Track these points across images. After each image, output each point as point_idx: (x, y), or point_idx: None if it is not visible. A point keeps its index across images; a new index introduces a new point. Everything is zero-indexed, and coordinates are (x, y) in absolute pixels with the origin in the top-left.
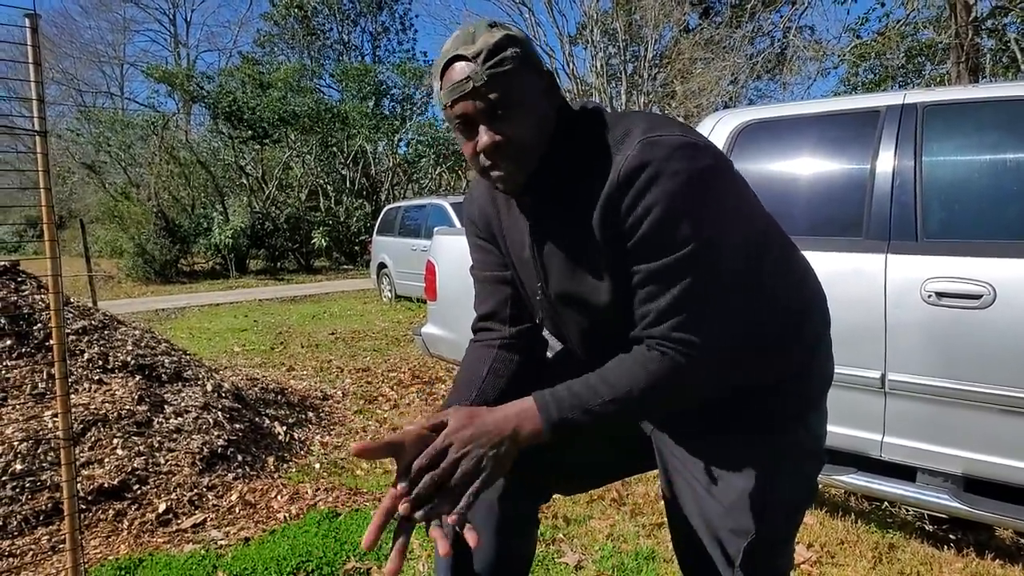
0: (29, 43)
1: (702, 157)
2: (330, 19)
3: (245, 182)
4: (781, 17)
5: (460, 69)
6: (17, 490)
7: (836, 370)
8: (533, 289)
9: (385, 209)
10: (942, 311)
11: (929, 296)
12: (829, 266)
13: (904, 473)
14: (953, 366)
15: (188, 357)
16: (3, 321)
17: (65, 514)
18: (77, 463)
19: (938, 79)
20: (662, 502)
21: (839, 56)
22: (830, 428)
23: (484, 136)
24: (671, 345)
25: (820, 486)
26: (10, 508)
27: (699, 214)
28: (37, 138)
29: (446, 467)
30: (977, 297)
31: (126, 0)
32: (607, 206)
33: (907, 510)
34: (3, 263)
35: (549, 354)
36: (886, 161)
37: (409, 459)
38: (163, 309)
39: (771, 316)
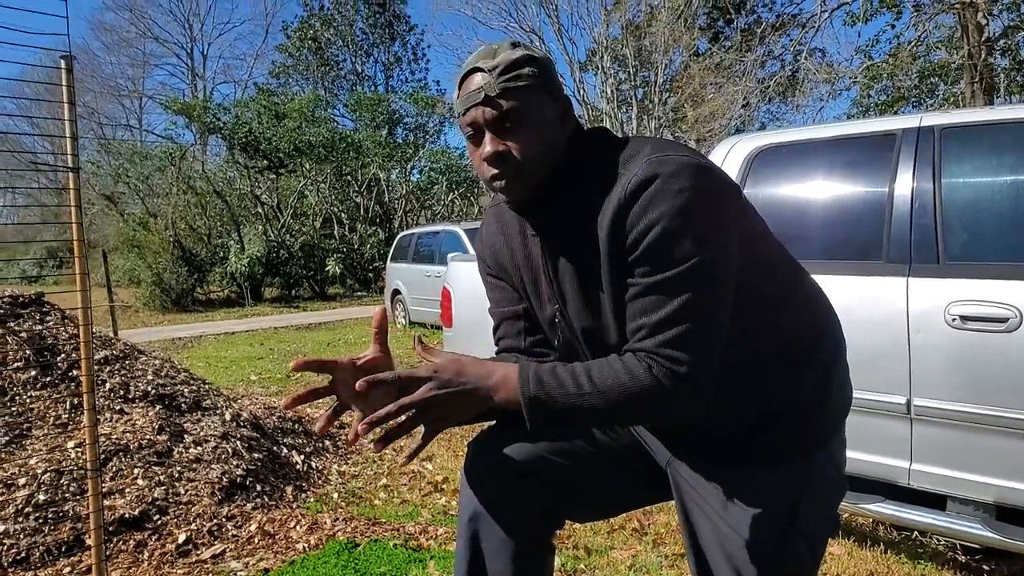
0: (64, 83)
1: (708, 177)
2: (344, 50)
3: (260, 211)
4: (791, 40)
5: (476, 80)
6: (40, 521)
7: (861, 396)
8: (550, 313)
9: (399, 236)
10: (967, 335)
11: (953, 320)
12: (849, 290)
13: (934, 501)
14: (980, 391)
15: (207, 386)
16: (28, 352)
17: (91, 545)
18: (102, 493)
19: (952, 99)
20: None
21: (851, 78)
22: (856, 455)
23: (488, 144)
24: (660, 360)
25: (848, 515)
26: (33, 539)
27: (701, 232)
28: (70, 174)
29: (422, 396)
30: (1003, 320)
31: (147, 36)
32: (614, 221)
33: (938, 540)
34: (29, 295)
35: None
36: (904, 184)
37: (343, 380)
38: (180, 338)
39: (778, 342)
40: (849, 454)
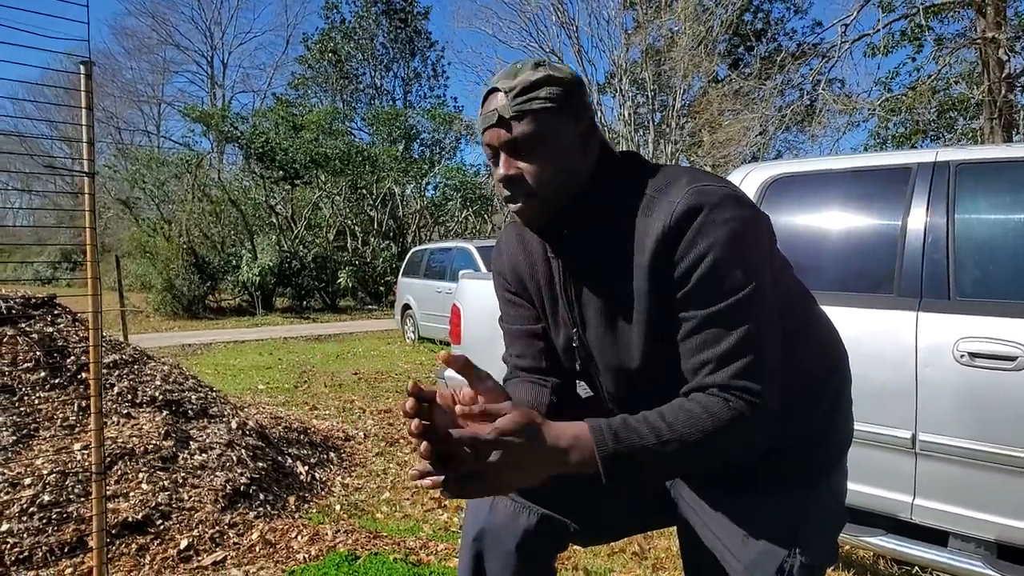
0: (83, 89)
1: (749, 207)
2: (363, 64)
3: (274, 221)
4: (811, 70)
5: (495, 100)
6: (44, 521)
7: (866, 428)
8: (567, 336)
9: (411, 251)
10: (975, 372)
11: (962, 356)
12: (859, 322)
13: (936, 537)
14: (986, 428)
15: (214, 393)
16: (38, 353)
17: (93, 547)
18: (106, 496)
19: (970, 134)
20: (681, 559)
21: (869, 109)
22: (860, 488)
23: (501, 167)
24: (735, 392)
25: (849, 547)
26: (36, 539)
27: (749, 261)
28: (85, 179)
29: (487, 466)
30: (1012, 359)
31: (168, 43)
32: (658, 251)
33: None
34: (41, 296)
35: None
36: (918, 218)
37: (436, 420)
38: (190, 344)
39: (793, 374)
40: (852, 486)
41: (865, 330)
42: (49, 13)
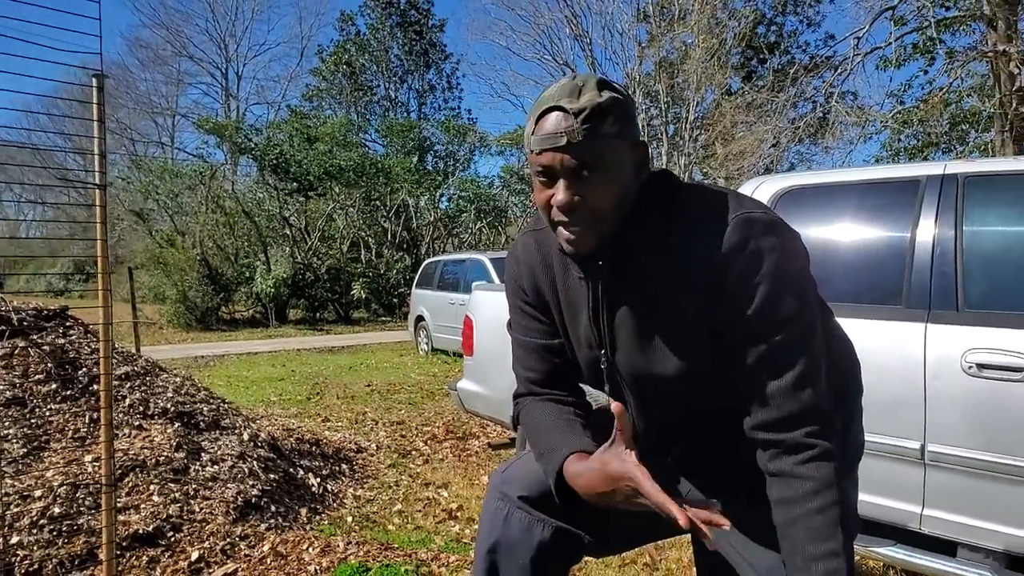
0: (95, 102)
1: (790, 231)
2: (378, 76)
3: (288, 233)
4: (823, 82)
5: (557, 120)
6: (54, 533)
7: (876, 439)
8: (593, 357)
9: (425, 263)
10: (983, 383)
11: (970, 367)
12: (869, 334)
13: (945, 547)
14: (995, 439)
15: (226, 405)
16: (50, 365)
17: (103, 559)
18: (116, 508)
19: (982, 147)
20: (695, 568)
21: (882, 122)
22: (869, 499)
23: (563, 193)
24: (811, 421)
25: (859, 558)
26: (47, 551)
27: (799, 287)
28: (97, 191)
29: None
30: (1019, 370)
31: (182, 55)
32: (705, 281)
33: None
34: (53, 308)
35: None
36: (926, 230)
37: None
38: (202, 356)
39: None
40: (862, 497)
41: (875, 342)
42: (62, 27)
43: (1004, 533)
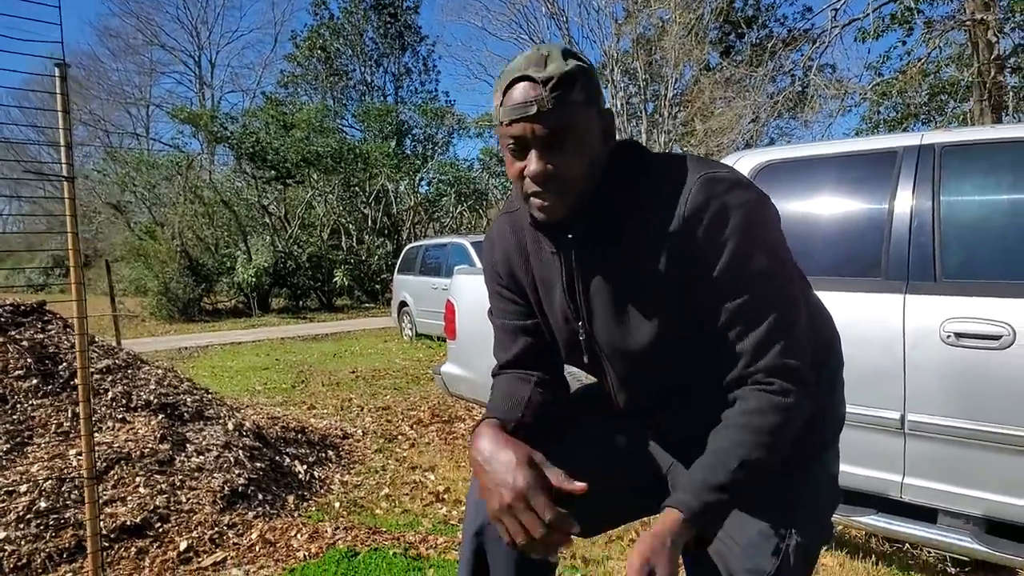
0: (58, 91)
1: (754, 190)
2: (353, 60)
3: (268, 221)
4: (802, 56)
5: (525, 90)
6: (41, 528)
7: (856, 410)
8: (570, 331)
9: (407, 248)
10: (961, 352)
11: (948, 336)
12: (848, 306)
13: (925, 515)
14: (973, 407)
15: (210, 396)
16: (30, 361)
17: (88, 552)
18: (100, 501)
19: (961, 117)
20: None
21: (861, 94)
22: (850, 469)
23: (535, 163)
24: (780, 376)
25: (841, 527)
26: (34, 546)
27: (768, 244)
28: (65, 183)
29: None
30: (996, 338)
31: (153, 43)
32: (674, 244)
33: (929, 552)
34: (31, 303)
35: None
36: (904, 202)
37: None
38: (186, 347)
39: None
40: (843, 468)
41: (854, 313)
42: (19, 15)
43: (983, 499)
